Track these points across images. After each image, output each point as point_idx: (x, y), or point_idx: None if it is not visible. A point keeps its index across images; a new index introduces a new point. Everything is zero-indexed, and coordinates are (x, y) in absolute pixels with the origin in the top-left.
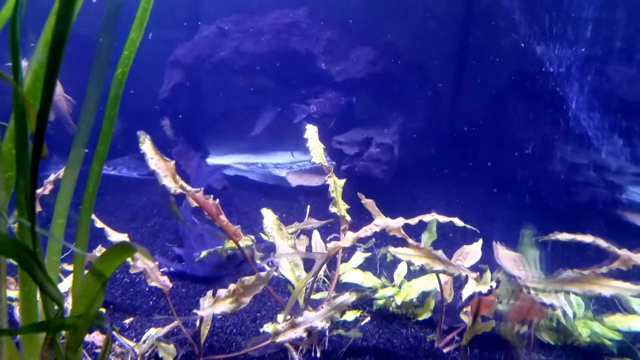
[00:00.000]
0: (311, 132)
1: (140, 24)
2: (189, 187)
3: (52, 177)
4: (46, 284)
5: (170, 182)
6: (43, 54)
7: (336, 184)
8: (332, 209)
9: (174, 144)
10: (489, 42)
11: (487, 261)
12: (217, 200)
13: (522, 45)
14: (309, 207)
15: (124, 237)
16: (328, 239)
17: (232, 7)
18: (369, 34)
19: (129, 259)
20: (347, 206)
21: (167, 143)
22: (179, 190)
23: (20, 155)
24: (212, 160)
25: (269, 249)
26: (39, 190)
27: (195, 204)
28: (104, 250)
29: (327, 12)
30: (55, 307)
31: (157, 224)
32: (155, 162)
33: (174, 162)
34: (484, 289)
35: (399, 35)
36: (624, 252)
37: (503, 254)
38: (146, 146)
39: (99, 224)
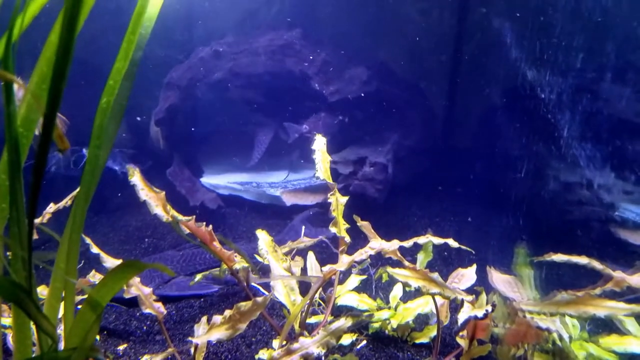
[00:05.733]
0: (319, 143)
1: (126, 54)
2: (180, 216)
3: (52, 207)
4: (40, 319)
5: (161, 211)
6: (38, 87)
7: (338, 202)
8: (332, 229)
9: (168, 158)
10: (481, 61)
11: (482, 281)
12: (210, 226)
13: (514, 64)
14: (303, 227)
15: (118, 262)
16: (320, 237)
17: (227, 28)
18: (363, 54)
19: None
20: (347, 225)
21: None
22: (170, 219)
23: (13, 188)
24: (207, 179)
25: (264, 270)
26: (36, 220)
27: (187, 230)
28: (97, 275)
29: (320, 32)
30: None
31: (151, 245)
32: (146, 193)
33: (164, 192)
34: (480, 313)
35: (392, 54)
36: (618, 274)
37: (497, 278)
38: (136, 178)
39: (94, 249)
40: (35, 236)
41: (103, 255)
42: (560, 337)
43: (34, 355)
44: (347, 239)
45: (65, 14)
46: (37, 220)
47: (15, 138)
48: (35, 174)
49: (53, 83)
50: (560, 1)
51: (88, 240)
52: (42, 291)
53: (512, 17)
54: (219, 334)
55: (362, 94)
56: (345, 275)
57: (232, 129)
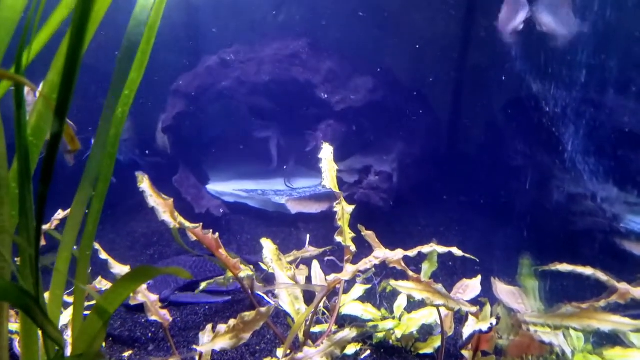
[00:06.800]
0: (327, 152)
1: (140, 64)
2: (187, 223)
3: (61, 214)
4: (47, 326)
5: (169, 218)
6: (48, 96)
7: (344, 211)
8: (338, 238)
9: (174, 165)
10: (487, 71)
11: (487, 291)
12: (217, 234)
13: (519, 75)
14: (308, 235)
15: (126, 269)
16: (326, 259)
17: (234, 37)
18: (368, 63)
19: None
20: (352, 234)
21: None
22: (178, 226)
23: (23, 196)
24: (213, 186)
25: (269, 278)
26: (45, 226)
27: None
28: (104, 281)
29: (326, 41)
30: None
31: (157, 252)
32: (154, 199)
33: (172, 199)
34: (484, 327)
35: (398, 63)
36: (622, 286)
37: (501, 289)
38: (145, 185)
39: (103, 255)
40: (42, 242)
41: (111, 261)
42: (564, 353)
43: None
44: (353, 248)
45: (73, 28)
46: (45, 227)
47: (25, 147)
48: (42, 182)
49: (60, 94)
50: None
51: (97, 246)
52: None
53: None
54: (223, 343)
55: (368, 103)
56: (349, 284)
57: (238, 137)
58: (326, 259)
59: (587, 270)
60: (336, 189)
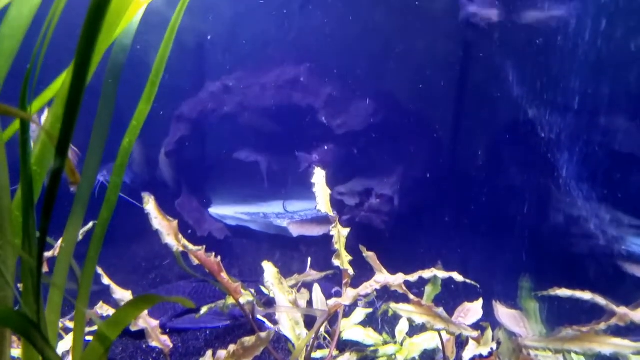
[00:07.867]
0: (319, 177)
1: (149, 97)
2: (191, 246)
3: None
4: (48, 352)
5: (172, 240)
6: (53, 127)
7: (340, 235)
8: (336, 262)
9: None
10: (487, 94)
11: (489, 314)
12: (219, 257)
13: (517, 98)
14: (309, 259)
15: (128, 294)
16: (333, 290)
17: (237, 60)
18: (369, 87)
19: None
20: (350, 258)
21: None
22: (181, 249)
23: (27, 224)
24: (215, 210)
25: (270, 302)
26: (48, 254)
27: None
28: (105, 306)
29: (327, 65)
30: None
31: (159, 276)
32: (159, 221)
33: (176, 221)
34: (485, 351)
35: (398, 87)
36: (621, 310)
37: (503, 312)
38: (150, 206)
39: (106, 280)
40: (45, 269)
41: (113, 286)
42: None
43: None
44: (351, 271)
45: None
46: (48, 254)
47: (29, 177)
48: (44, 214)
49: (62, 133)
50: (559, 43)
51: (100, 271)
52: None
53: (514, 55)
54: None
55: (369, 126)
56: (351, 308)
57: (240, 161)
58: (333, 291)
59: (586, 295)
60: (330, 212)
